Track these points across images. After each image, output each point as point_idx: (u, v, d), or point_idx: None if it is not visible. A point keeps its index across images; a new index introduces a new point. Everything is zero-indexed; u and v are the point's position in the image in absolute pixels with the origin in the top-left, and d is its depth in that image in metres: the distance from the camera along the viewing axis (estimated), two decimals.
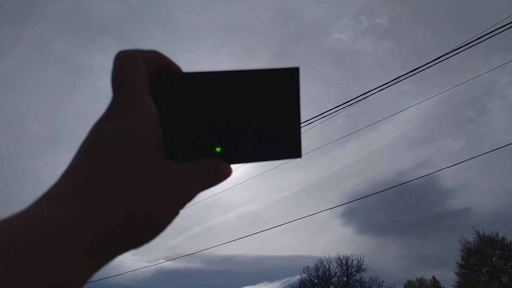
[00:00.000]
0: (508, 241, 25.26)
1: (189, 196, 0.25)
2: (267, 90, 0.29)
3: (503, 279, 24.92)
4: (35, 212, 0.19)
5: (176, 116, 0.27)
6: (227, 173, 0.28)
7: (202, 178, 0.26)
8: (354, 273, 26.61)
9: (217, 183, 0.28)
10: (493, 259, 25.42)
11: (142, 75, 0.25)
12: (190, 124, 0.28)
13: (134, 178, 0.22)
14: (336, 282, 26.59)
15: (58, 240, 0.18)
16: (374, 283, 26.10)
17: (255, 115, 0.29)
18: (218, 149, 0.28)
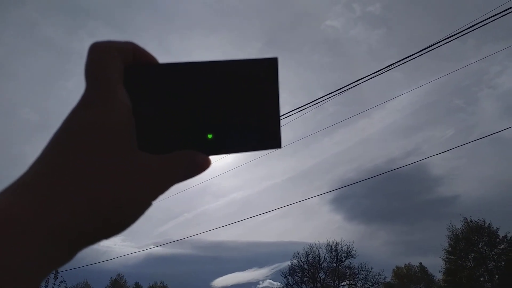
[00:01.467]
0: (494, 228, 26.02)
1: (162, 187, 0.26)
2: (246, 81, 0.29)
3: (489, 265, 25.74)
4: (2, 204, 0.19)
5: (151, 107, 0.27)
6: (205, 165, 0.28)
7: (177, 170, 0.27)
8: (344, 259, 27.16)
9: (194, 175, 0.28)
10: (480, 246, 26.19)
11: (116, 66, 0.25)
12: (165, 116, 0.28)
13: (102, 167, 0.22)
14: (326, 268, 27.12)
15: (15, 230, 0.18)
16: (363, 269, 26.71)
17: (233, 106, 0.29)
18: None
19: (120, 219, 0.23)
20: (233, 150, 0.30)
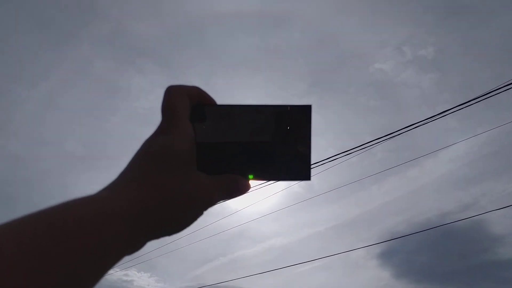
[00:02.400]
0: None
1: (211, 201, 0.32)
2: (284, 123, 0.35)
3: None
4: (103, 199, 0.26)
5: (209, 138, 0.35)
6: (245, 188, 0.34)
7: (224, 189, 0.33)
8: None
9: (237, 195, 0.34)
10: None
11: (185, 105, 0.33)
12: (219, 145, 0.35)
13: (172, 180, 0.29)
14: None
15: (112, 218, 0.25)
16: None
17: (273, 142, 0.35)
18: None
19: (180, 223, 0.30)
20: (269, 178, 0.36)
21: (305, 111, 0.36)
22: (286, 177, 0.36)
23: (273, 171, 0.35)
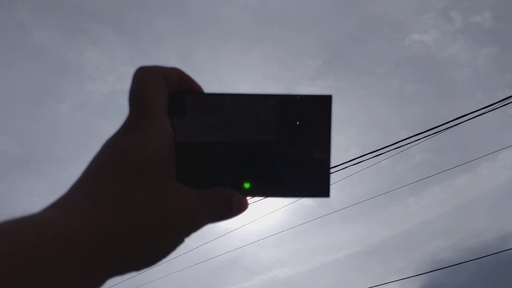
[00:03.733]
0: None
1: (196, 224, 0.32)
2: (296, 119, 0.36)
3: None
4: (49, 218, 0.26)
5: (193, 138, 0.35)
6: (241, 207, 0.35)
7: (212, 208, 0.33)
8: None
9: (229, 217, 0.34)
10: None
11: (160, 93, 0.33)
12: (207, 148, 0.35)
13: (141, 195, 0.29)
14: None
15: (59, 246, 0.25)
16: None
17: (280, 145, 0.36)
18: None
19: (154, 253, 0.30)
20: (274, 194, 0.36)
21: (323, 103, 0.36)
22: (296, 193, 0.36)
23: (278, 184, 0.36)
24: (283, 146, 0.36)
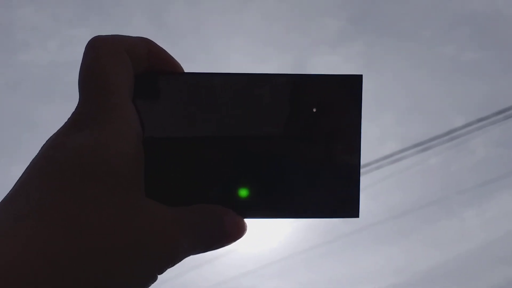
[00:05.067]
0: None
1: (173, 256, 0.31)
2: (312, 108, 0.36)
3: None
4: None
5: (169, 136, 0.35)
6: (237, 231, 0.34)
7: (196, 233, 0.33)
8: None
9: (220, 245, 0.34)
10: None
11: (125, 73, 0.33)
12: (189, 151, 0.35)
13: (101, 222, 0.28)
14: None
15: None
16: None
17: (291, 144, 0.36)
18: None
19: None
20: (281, 213, 0.36)
21: (349, 86, 0.36)
22: (312, 212, 0.36)
23: (288, 200, 0.36)
24: (294, 145, 0.36)
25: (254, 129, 0.35)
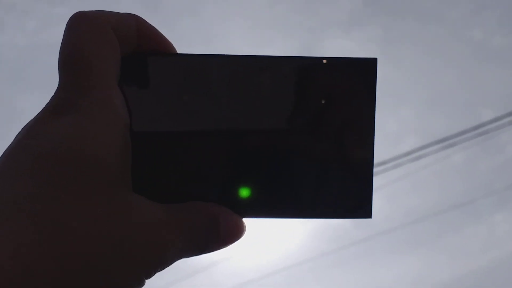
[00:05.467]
0: None
1: (162, 259, 0.32)
2: (321, 96, 0.36)
3: None
4: None
5: (160, 126, 0.35)
6: (234, 232, 0.35)
7: (188, 234, 0.33)
8: None
9: (215, 248, 0.35)
10: None
11: (110, 54, 0.33)
12: (181, 141, 0.35)
13: (85, 221, 0.28)
14: None
15: None
16: None
17: (296, 137, 0.36)
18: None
19: None
20: (285, 213, 0.36)
21: (363, 70, 0.36)
22: (320, 212, 0.37)
23: (294, 198, 0.36)
24: (300, 138, 0.36)
25: (256, 118, 0.35)
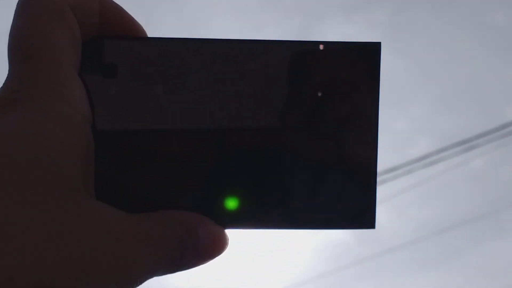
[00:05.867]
0: None
1: (131, 277, 0.31)
2: (318, 87, 0.36)
3: None
4: None
5: (128, 123, 0.35)
6: (216, 246, 0.35)
7: (161, 248, 0.32)
8: None
9: (193, 265, 0.34)
10: None
11: (69, 37, 0.32)
12: (153, 140, 0.35)
13: (37, 232, 0.27)
14: None
15: None
16: None
17: (289, 135, 0.36)
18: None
19: None
20: (277, 223, 0.36)
21: (365, 57, 0.36)
22: (317, 222, 0.37)
23: (285, 205, 0.36)
24: (293, 136, 0.36)
25: (241, 113, 0.35)
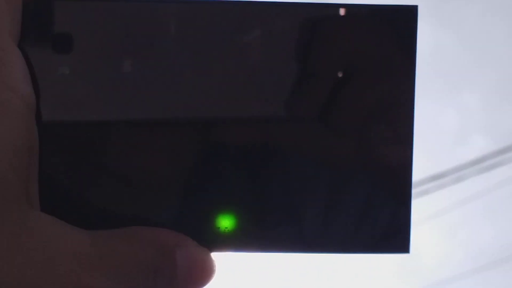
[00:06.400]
0: None
1: None
2: (338, 65, 0.34)
3: None
4: None
5: (85, 112, 0.33)
6: (201, 273, 0.33)
7: (126, 273, 0.31)
8: None
9: None
10: None
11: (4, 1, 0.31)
12: (120, 137, 0.34)
13: None
14: None
15: None
16: None
17: (301, 129, 0.34)
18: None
19: None
20: (279, 245, 0.35)
21: (397, 25, 0.35)
22: (333, 244, 0.35)
23: (293, 222, 0.35)
24: (305, 132, 0.34)
25: (237, 100, 0.34)
